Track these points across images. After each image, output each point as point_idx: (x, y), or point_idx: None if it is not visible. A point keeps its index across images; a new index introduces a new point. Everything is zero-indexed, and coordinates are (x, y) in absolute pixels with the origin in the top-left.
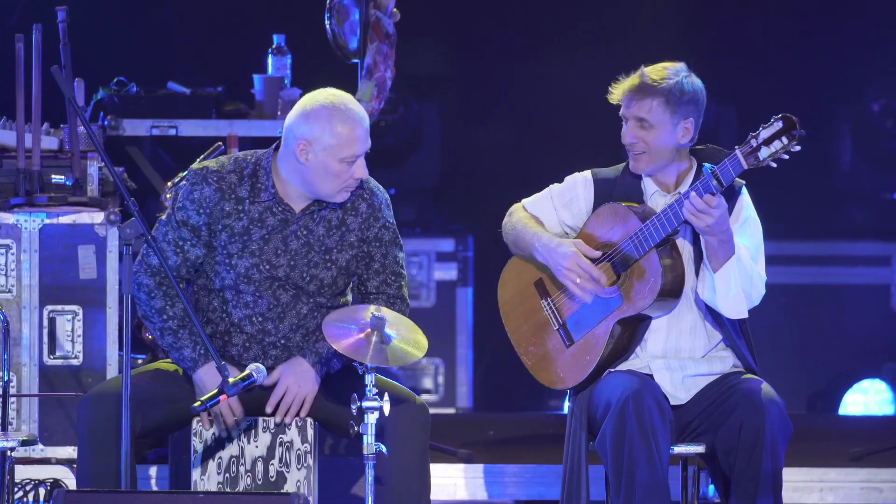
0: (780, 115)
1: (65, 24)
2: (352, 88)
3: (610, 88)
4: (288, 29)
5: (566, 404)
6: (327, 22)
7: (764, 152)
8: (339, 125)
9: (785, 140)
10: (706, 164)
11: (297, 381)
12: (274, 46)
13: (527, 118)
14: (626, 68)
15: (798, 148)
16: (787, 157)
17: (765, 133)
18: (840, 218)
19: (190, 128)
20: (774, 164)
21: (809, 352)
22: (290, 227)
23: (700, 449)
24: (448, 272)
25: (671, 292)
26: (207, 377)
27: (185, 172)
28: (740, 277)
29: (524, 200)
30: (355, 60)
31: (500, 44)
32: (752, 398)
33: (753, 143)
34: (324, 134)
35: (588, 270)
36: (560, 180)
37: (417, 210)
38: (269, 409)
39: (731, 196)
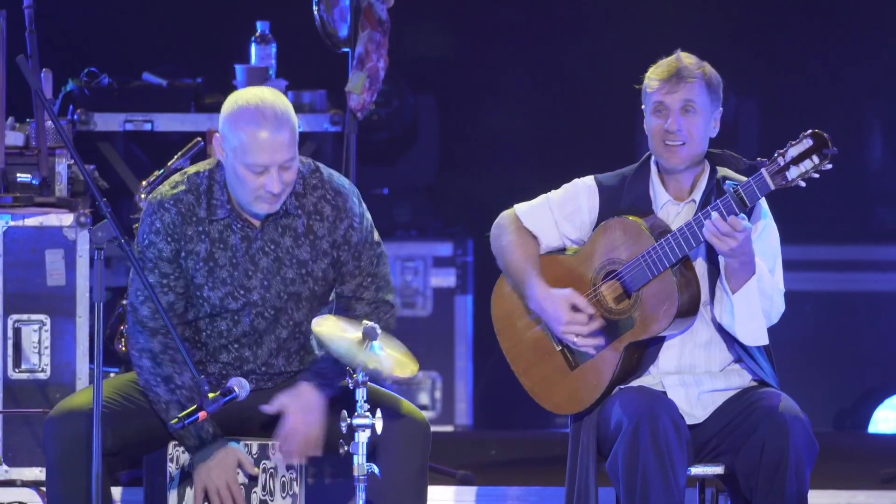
0: (809, 132)
1: (31, 10)
2: (342, 79)
3: (647, 76)
4: (272, 15)
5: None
6: (315, 8)
7: (793, 172)
8: (246, 127)
9: (816, 159)
10: (729, 182)
11: (305, 415)
12: (257, 34)
13: (533, 109)
14: (643, 54)
15: (830, 166)
16: (817, 175)
17: (793, 151)
18: (870, 220)
19: (166, 122)
20: (804, 184)
21: (837, 365)
22: (254, 245)
23: (719, 470)
24: (446, 278)
25: (688, 312)
26: (221, 455)
27: (161, 171)
28: (760, 298)
29: (517, 208)
30: (345, 49)
31: (503, 26)
32: (775, 416)
33: (781, 161)
34: (231, 132)
35: (584, 327)
36: (570, 179)
37: (413, 211)
38: (272, 452)
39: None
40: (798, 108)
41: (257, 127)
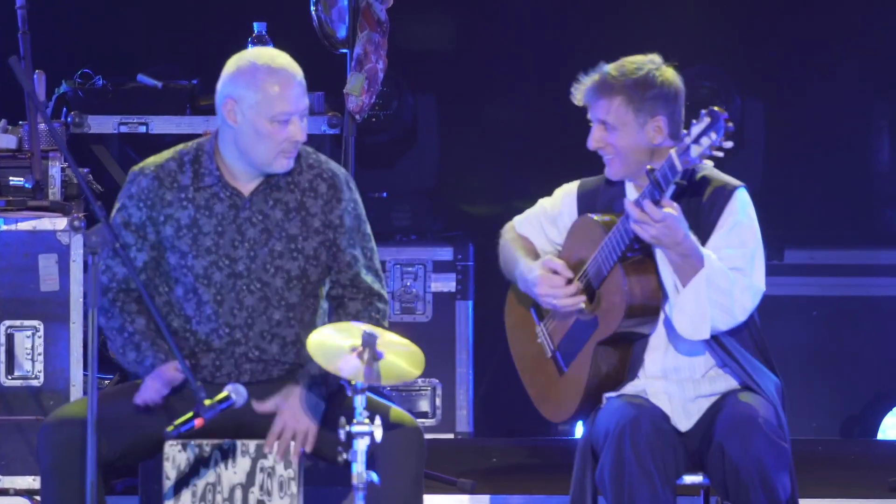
0: (707, 110)
1: (24, 11)
2: (340, 81)
3: (572, 90)
4: (269, 16)
5: (578, 429)
6: (313, 8)
7: (694, 150)
8: (265, 80)
9: (713, 135)
10: (647, 169)
11: (295, 414)
12: (254, 35)
13: (537, 111)
14: (661, 51)
15: (730, 144)
16: (721, 154)
17: (694, 130)
18: (878, 223)
19: (162, 124)
20: (710, 162)
21: (844, 371)
22: (242, 214)
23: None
24: (446, 283)
25: (645, 308)
26: (168, 373)
27: None
28: (710, 293)
29: (516, 219)
30: (344, 50)
31: (505, 26)
32: (731, 423)
33: (686, 141)
34: (248, 90)
35: (560, 289)
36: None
37: (412, 215)
38: (266, 450)
39: (719, 200)
40: (804, 108)
41: (278, 77)
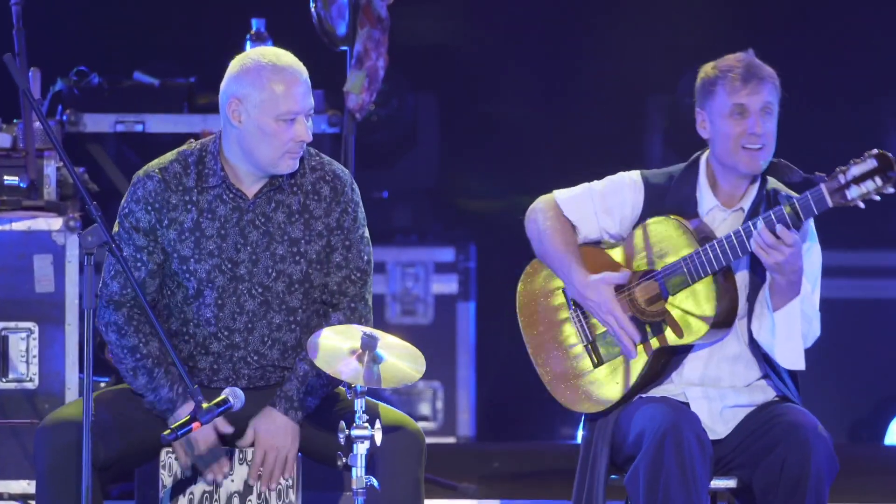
0: (874, 152)
1: (19, 7)
2: (340, 78)
3: (720, 76)
4: (268, 13)
5: (580, 433)
6: (312, 5)
7: (853, 191)
8: (272, 78)
9: (879, 181)
10: (783, 194)
11: (275, 439)
12: (253, 32)
13: (538, 109)
14: (654, 50)
15: (892, 190)
16: (878, 198)
17: (855, 170)
18: (887, 224)
19: (159, 123)
20: (863, 205)
21: (852, 374)
22: (245, 217)
23: (731, 483)
24: (447, 285)
25: (724, 323)
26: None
27: None
28: (801, 320)
29: (557, 194)
30: (344, 48)
31: (507, 23)
32: (798, 433)
33: (841, 178)
34: (254, 89)
35: (625, 328)
36: (579, 181)
37: (413, 215)
38: (253, 482)
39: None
40: (812, 107)
41: (284, 76)
